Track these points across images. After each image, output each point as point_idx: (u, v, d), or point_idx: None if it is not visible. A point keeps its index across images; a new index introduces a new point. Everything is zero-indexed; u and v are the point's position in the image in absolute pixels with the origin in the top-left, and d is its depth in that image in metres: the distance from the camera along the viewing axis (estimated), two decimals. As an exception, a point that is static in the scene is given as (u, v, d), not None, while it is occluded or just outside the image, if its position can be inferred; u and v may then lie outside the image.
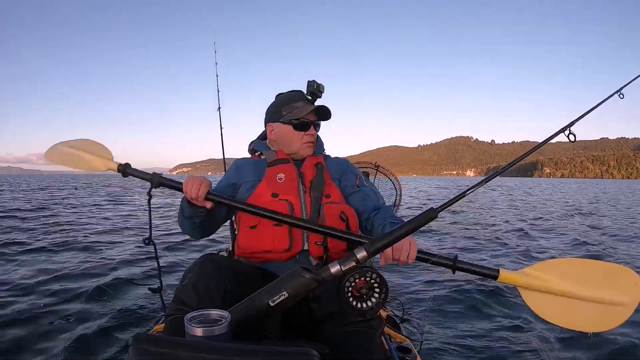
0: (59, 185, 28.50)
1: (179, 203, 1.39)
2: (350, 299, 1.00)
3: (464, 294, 3.21)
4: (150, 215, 1.35)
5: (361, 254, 1.00)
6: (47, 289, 3.42)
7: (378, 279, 1.00)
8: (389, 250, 1.09)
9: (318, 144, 1.65)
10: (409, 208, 11.42)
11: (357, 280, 0.99)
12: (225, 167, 2.17)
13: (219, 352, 0.69)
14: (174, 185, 1.30)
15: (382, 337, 1.36)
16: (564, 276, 1.19)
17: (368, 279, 0.99)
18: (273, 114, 1.58)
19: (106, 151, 1.46)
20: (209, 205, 1.26)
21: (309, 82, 1.53)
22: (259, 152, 1.62)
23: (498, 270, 1.18)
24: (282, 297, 0.94)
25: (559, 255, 2.95)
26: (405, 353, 1.45)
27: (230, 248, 1.87)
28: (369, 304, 1.01)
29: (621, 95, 1.51)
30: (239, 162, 1.58)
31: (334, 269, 0.99)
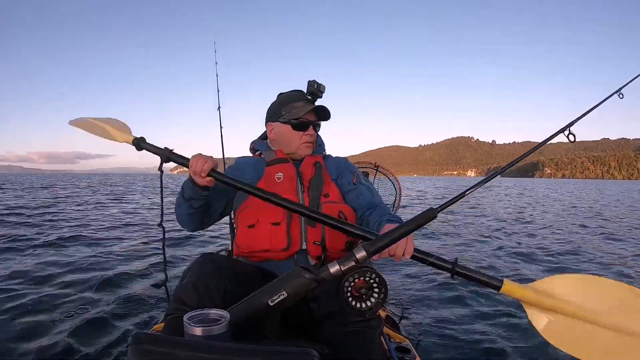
0: (60, 184, 28.62)
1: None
2: (350, 299, 1.00)
3: (463, 294, 3.22)
4: (162, 191, 1.39)
5: (360, 253, 1.00)
6: (49, 284, 3.47)
7: (377, 279, 1.00)
8: None
9: (318, 144, 1.65)
10: (405, 206, 11.42)
11: (356, 280, 0.99)
12: (225, 167, 2.18)
13: (218, 352, 0.69)
14: (181, 161, 1.31)
15: (381, 337, 1.36)
16: (580, 296, 1.06)
17: (367, 279, 0.99)
18: (273, 114, 1.58)
19: (126, 127, 1.48)
20: (211, 182, 1.27)
21: (309, 82, 1.53)
22: (259, 152, 1.62)
23: (501, 281, 1.08)
24: (282, 297, 0.94)
25: (574, 268, 2.72)
26: (404, 353, 1.45)
27: (230, 247, 1.88)
28: (368, 304, 1.00)
29: (621, 95, 1.51)
30: (239, 161, 1.60)
31: (334, 268, 0.98)
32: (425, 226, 1.10)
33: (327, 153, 1.69)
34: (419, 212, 1.05)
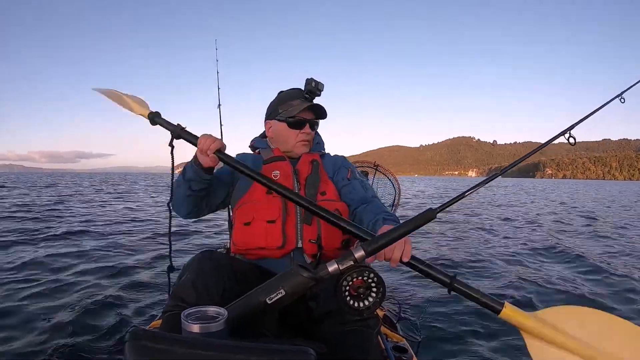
0: (63, 183, 28.79)
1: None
2: (348, 298, 1.00)
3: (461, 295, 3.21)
4: (172, 168, 1.39)
5: (359, 253, 1.00)
6: (52, 277, 3.52)
7: (375, 279, 1.00)
8: None
9: (317, 142, 1.65)
10: (402, 205, 11.41)
11: (354, 280, 0.99)
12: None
13: (215, 349, 0.69)
14: (190, 138, 1.32)
15: (379, 337, 1.36)
16: (585, 332, 1.00)
17: (365, 278, 0.99)
18: (271, 112, 1.59)
19: (145, 103, 1.50)
20: (215, 161, 1.28)
21: (307, 80, 1.51)
22: (259, 150, 1.62)
23: (502, 304, 1.02)
24: (280, 295, 0.94)
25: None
26: (401, 353, 1.45)
27: (228, 245, 1.89)
28: (366, 303, 1.00)
29: (622, 100, 1.51)
30: (239, 157, 1.60)
31: (332, 267, 0.99)
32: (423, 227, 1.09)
33: (327, 152, 1.69)
34: (415, 212, 1.05)
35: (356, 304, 1.00)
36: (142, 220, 7.99)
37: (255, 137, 1.72)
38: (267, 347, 0.70)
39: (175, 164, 1.44)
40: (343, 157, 1.68)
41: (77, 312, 2.63)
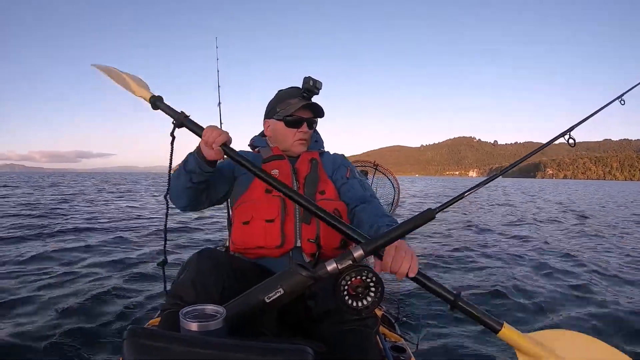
0: (66, 183, 28.94)
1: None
2: (346, 297, 1.00)
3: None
4: (171, 160, 1.32)
5: (358, 252, 1.00)
6: (55, 271, 3.54)
7: (374, 278, 1.00)
8: (388, 259, 1.02)
9: (315, 140, 1.65)
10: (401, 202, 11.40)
11: (353, 279, 0.99)
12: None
13: (213, 348, 0.68)
14: (195, 128, 1.26)
15: (377, 336, 1.36)
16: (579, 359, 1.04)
17: (364, 277, 0.99)
18: (269, 111, 1.59)
19: (145, 84, 1.43)
20: (221, 155, 1.21)
21: (304, 78, 1.50)
22: (258, 148, 1.62)
23: (502, 324, 1.05)
24: (278, 294, 0.94)
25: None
26: (399, 352, 1.45)
27: (227, 243, 1.89)
28: (365, 302, 1.00)
29: (622, 102, 1.51)
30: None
31: (331, 267, 0.99)
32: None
33: (326, 150, 1.69)
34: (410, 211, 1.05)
35: (355, 304, 1.00)
36: (145, 218, 8.17)
37: (255, 136, 1.72)
38: (265, 346, 0.70)
39: (173, 163, 1.36)
40: (342, 155, 1.67)
41: (76, 310, 2.64)
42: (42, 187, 21.30)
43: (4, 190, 16.92)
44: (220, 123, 2.53)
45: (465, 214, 10.28)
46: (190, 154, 1.31)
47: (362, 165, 3.37)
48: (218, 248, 1.83)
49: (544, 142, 1.40)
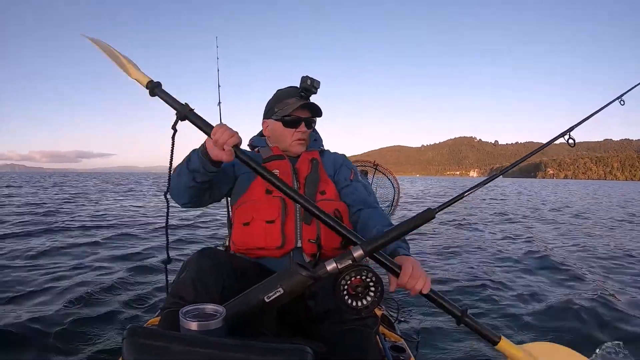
0: (68, 183, 29.09)
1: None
2: (346, 297, 1.00)
3: (459, 296, 3.22)
4: (172, 157, 1.24)
5: (357, 252, 1.00)
6: (54, 272, 3.54)
7: (374, 278, 1.00)
8: (405, 278, 1.05)
9: (314, 139, 1.65)
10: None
11: (353, 279, 0.99)
12: None
13: (213, 347, 0.69)
14: (201, 125, 1.16)
15: (377, 336, 1.36)
16: None
17: (364, 277, 0.99)
18: (268, 111, 1.58)
19: (139, 68, 1.31)
20: (231, 156, 1.14)
21: (302, 78, 1.49)
22: (257, 148, 1.62)
23: (499, 337, 1.16)
24: (278, 294, 0.94)
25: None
26: (399, 352, 1.45)
27: (227, 243, 1.89)
28: (365, 302, 1.01)
29: (622, 102, 1.51)
30: None
31: (330, 266, 0.99)
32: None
33: (325, 148, 1.69)
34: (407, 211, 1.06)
35: (354, 303, 1.00)
36: (148, 216, 8.31)
37: (254, 136, 1.71)
38: (265, 346, 0.71)
39: (174, 162, 1.29)
40: (343, 155, 1.67)
41: (77, 309, 2.64)
42: (45, 187, 21.50)
43: (7, 190, 17.03)
44: (221, 123, 2.53)
45: (467, 213, 10.27)
46: (193, 151, 1.26)
47: (362, 165, 3.37)
48: (218, 247, 1.83)
49: (545, 142, 1.40)
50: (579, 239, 6.71)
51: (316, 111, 1.55)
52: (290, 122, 1.51)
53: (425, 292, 1.07)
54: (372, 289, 1.01)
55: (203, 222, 7.17)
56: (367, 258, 1.07)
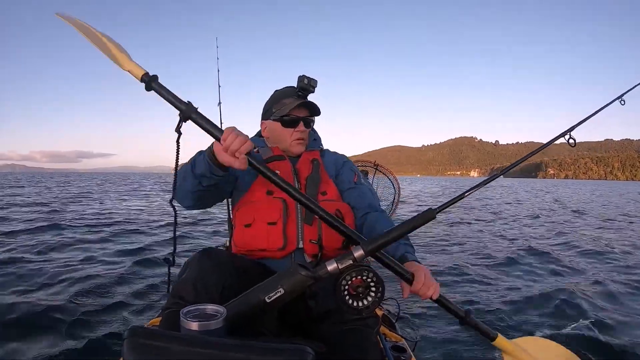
0: (71, 182, 29.22)
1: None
2: (347, 297, 1.00)
3: (460, 296, 3.22)
4: (177, 162, 1.16)
5: (358, 252, 1.00)
6: (56, 269, 3.56)
7: (375, 278, 1.00)
8: (418, 285, 1.11)
9: (314, 139, 1.64)
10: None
11: (353, 279, 0.99)
12: None
13: (213, 347, 0.69)
14: (209, 128, 1.07)
15: (378, 336, 1.36)
16: (541, 355, 1.40)
17: (365, 277, 0.99)
18: (265, 112, 1.58)
19: (128, 56, 1.15)
20: (245, 164, 1.06)
21: (299, 77, 1.48)
22: (257, 149, 1.61)
23: (497, 334, 1.31)
24: (278, 294, 0.94)
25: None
26: (400, 352, 1.45)
27: (228, 243, 1.88)
28: (365, 302, 1.01)
29: (622, 102, 1.51)
30: None
31: (331, 266, 0.99)
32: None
33: (325, 147, 1.68)
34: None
35: (355, 303, 1.00)
36: (154, 215, 8.44)
37: (253, 137, 1.69)
38: (265, 346, 0.71)
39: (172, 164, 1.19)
40: (343, 155, 1.67)
41: (78, 308, 2.64)
42: (48, 186, 21.62)
43: (10, 190, 17.10)
44: (221, 123, 2.53)
45: (465, 214, 10.27)
46: (199, 154, 1.20)
47: (362, 165, 3.37)
48: (219, 247, 1.82)
49: (545, 142, 1.40)
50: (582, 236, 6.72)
51: (314, 110, 1.55)
52: (289, 122, 1.50)
53: (435, 298, 1.14)
54: (373, 289, 1.01)
55: (202, 219, 7.20)
56: (381, 265, 1.09)
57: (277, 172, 1.40)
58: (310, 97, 1.52)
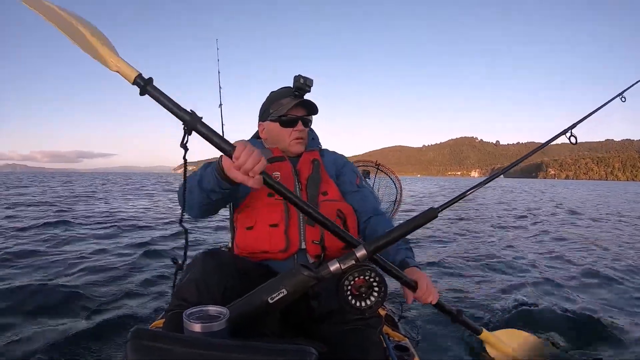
0: (73, 182, 29.32)
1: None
2: (350, 298, 1.00)
3: (462, 295, 3.21)
4: (184, 182, 1.11)
5: (361, 252, 1.00)
6: (59, 268, 3.60)
7: (377, 278, 1.00)
8: (420, 293, 1.21)
9: (312, 138, 1.65)
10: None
11: (356, 279, 0.99)
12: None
13: (216, 349, 0.69)
14: (218, 142, 0.97)
15: (381, 336, 1.36)
16: (517, 345, 1.84)
17: (367, 277, 0.99)
18: (263, 113, 1.58)
19: (115, 52, 0.99)
20: (260, 183, 1.00)
21: (295, 77, 1.48)
22: None
23: (482, 329, 1.69)
24: (281, 295, 0.94)
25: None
26: (403, 352, 1.45)
27: (230, 245, 1.88)
28: (368, 302, 1.01)
29: (623, 99, 1.51)
30: None
31: (334, 267, 0.99)
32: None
33: (324, 147, 1.69)
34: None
35: (358, 304, 1.00)
36: (161, 214, 8.53)
37: (250, 139, 1.70)
38: (268, 347, 0.71)
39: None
40: (342, 155, 1.67)
41: (80, 309, 2.64)
42: (51, 186, 21.72)
43: (15, 190, 17.17)
44: (222, 125, 2.53)
45: (466, 213, 10.28)
46: (207, 168, 1.16)
47: (364, 165, 3.37)
48: (222, 248, 1.82)
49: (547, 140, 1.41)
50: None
51: (312, 109, 1.55)
52: (287, 122, 1.51)
53: (434, 303, 1.27)
54: (376, 289, 1.01)
55: (212, 221, 7.21)
56: (385, 274, 1.10)
57: (278, 173, 1.41)
58: (307, 96, 1.52)
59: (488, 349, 1.79)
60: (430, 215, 1.06)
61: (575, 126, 1.39)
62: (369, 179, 3.37)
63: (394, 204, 3.28)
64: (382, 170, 3.41)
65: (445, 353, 2.23)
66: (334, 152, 1.67)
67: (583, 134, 1.38)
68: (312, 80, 1.50)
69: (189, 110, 0.96)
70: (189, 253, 1.17)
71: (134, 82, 0.95)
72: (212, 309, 0.85)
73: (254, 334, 0.99)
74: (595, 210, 12.65)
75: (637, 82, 1.55)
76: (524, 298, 3.05)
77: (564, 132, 1.39)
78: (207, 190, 1.16)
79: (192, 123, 0.95)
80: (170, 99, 0.96)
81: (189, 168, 1.12)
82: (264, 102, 1.60)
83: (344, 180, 1.54)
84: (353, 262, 0.99)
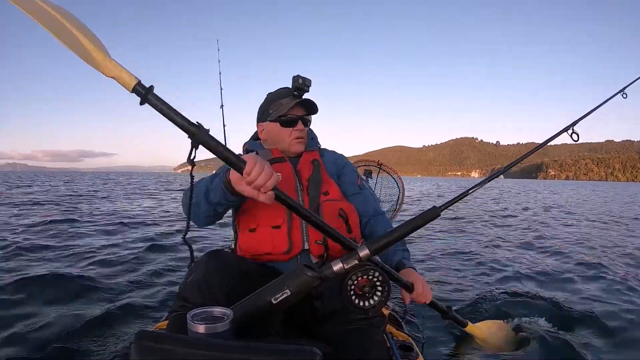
0: (75, 182, 29.36)
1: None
2: (353, 297, 1.00)
3: (465, 294, 3.21)
4: (191, 197, 1.08)
5: (364, 252, 0.99)
6: (62, 267, 3.58)
7: (381, 278, 1.00)
8: (417, 294, 1.33)
9: (311, 137, 1.65)
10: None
11: (359, 279, 0.99)
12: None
13: (220, 350, 0.69)
14: (229, 156, 0.90)
15: (384, 335, 1.36)
16: (493, 334, 2.05)
17: (370, 277, 0.99)
18: (262, 114, 1.58)
19: (107, 53, 0.88)
20: (272, 199, 0.95)
21: (293, 77, 1.49)
22: (255, 152, 1.60)
23: (467, 322, 1.89)
24: (285, 295, 0.94)
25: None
26: (407, 351, 1.44)
27: (233, 246, 1.88)
28: (372, 302, 1.00)
29: (624, 95, 1.51)
30: None
31: (337, 266, 0.98)
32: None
33: (323, 147, 1.69)
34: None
35: (361, 303, 1.00)
36: (169, 213, 8.48)
37: (249, 140, 1.69)
38: (272, 347, 0.71)
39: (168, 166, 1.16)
40: (342, 155, 1.68)
41: (84, 310, 2.64)
42: (54, 185, 21.78)
43: (17, 190, 17.20)
44: (224, 126, 2.53)
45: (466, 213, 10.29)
46: (213, 180, 1.15)
47: (366, 165, 3.37)
48: (225, 249, 1.82)
49: (548, 138, 1.40)
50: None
51: (312, 108, 1.55)
52: (287, 122, 1.51)
53: (428, 301, 1.39)
54: (379, 288, 1.00)
55: (214, 226, 7.26)
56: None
57: (279, 174, 1.40)
58: (305, 97, 1.53)
59: (475, 339, 2.02)
60: (432, 214, 1.06)
61: (576, 123, 1.38)
62: (372, 178, 3.37)
63: (396, 204, 3.29)
64: (384, 170, 3.42)
65: (450, 352, 2.22)
66: (333, 152, 1.67)
67: (583, 134, 1.38)
68: (310, 80, 1.51)
69: (196, 122, 0.89)
70: (195, 254, 1.18)
71: (133, 90, 0.87)
72: (216, 310, 0.85)
73: (258, 335, 0.99)
74: (588, 211, 12.67)
75: (638, 79, 1.54)
76: (506, 290, 3.16)
77: (565, 130, 1.38)
78: (213, 203, 1.17)
79: (200, 136, 0.88)
80: (174, 109, 0.88)
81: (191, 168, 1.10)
82: (263, 103, 1.60)
83: (345, 180, 1.54)
84: (356, 261, 0.99)
